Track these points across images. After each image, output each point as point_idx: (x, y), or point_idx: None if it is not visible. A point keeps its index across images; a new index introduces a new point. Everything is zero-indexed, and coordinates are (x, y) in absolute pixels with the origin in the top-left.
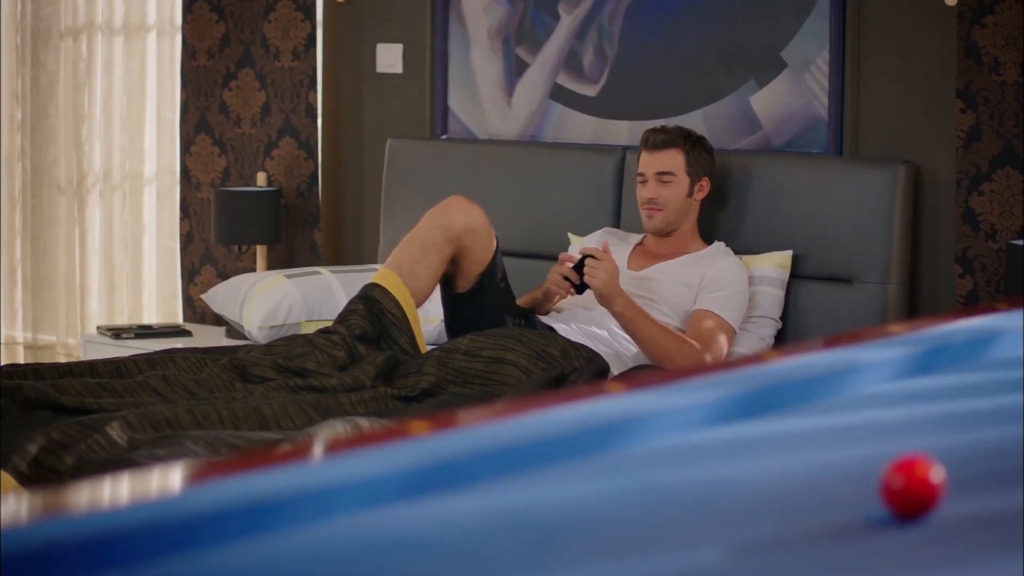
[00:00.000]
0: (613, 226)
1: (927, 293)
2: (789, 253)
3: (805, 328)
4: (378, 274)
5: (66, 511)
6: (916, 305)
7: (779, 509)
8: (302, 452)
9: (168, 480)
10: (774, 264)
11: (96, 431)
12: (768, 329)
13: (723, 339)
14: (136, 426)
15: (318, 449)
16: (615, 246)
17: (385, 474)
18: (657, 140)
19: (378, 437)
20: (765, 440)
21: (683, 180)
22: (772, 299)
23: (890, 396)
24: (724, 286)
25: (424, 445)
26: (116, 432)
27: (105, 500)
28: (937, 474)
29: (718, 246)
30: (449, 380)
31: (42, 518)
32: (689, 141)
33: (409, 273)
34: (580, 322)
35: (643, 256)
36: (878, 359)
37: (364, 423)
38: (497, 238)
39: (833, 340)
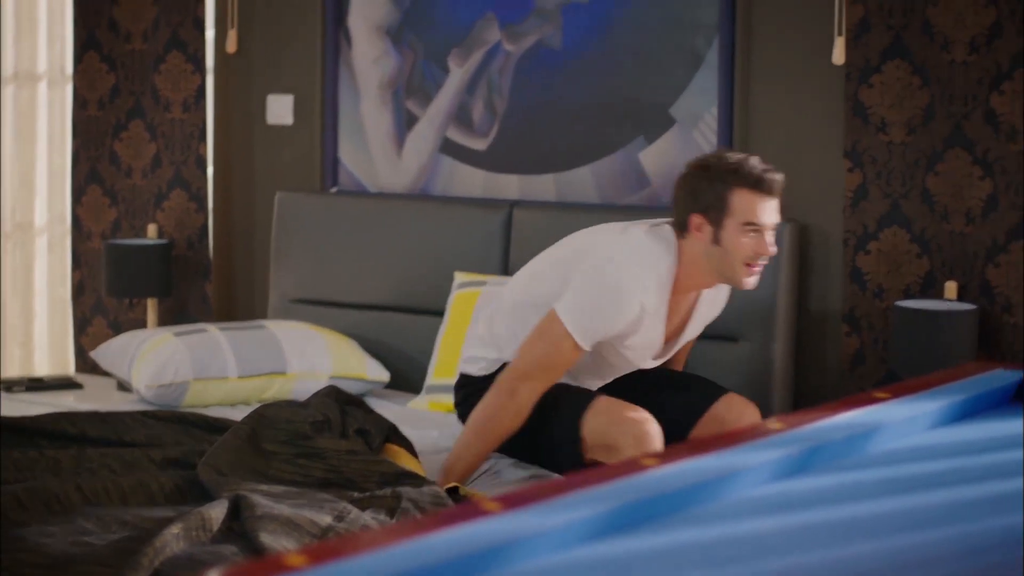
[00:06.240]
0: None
1: (814, 351)
2: None
3: None
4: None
5: None
6: (802, 364)
7: None
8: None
9: None
10: None
11: None
12: None
13: None
14: (27, 504)
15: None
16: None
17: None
18: (775, 184)
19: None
20: (638, 560)
21: None
22: None
23: (768, 501)
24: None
25: None
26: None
27: None
28: None
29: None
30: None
31: None
32: None
33: None
34: None
35: (674, 311)
36: (756, 461)
37: (258, 498)
38: None
39: (711, 442)
